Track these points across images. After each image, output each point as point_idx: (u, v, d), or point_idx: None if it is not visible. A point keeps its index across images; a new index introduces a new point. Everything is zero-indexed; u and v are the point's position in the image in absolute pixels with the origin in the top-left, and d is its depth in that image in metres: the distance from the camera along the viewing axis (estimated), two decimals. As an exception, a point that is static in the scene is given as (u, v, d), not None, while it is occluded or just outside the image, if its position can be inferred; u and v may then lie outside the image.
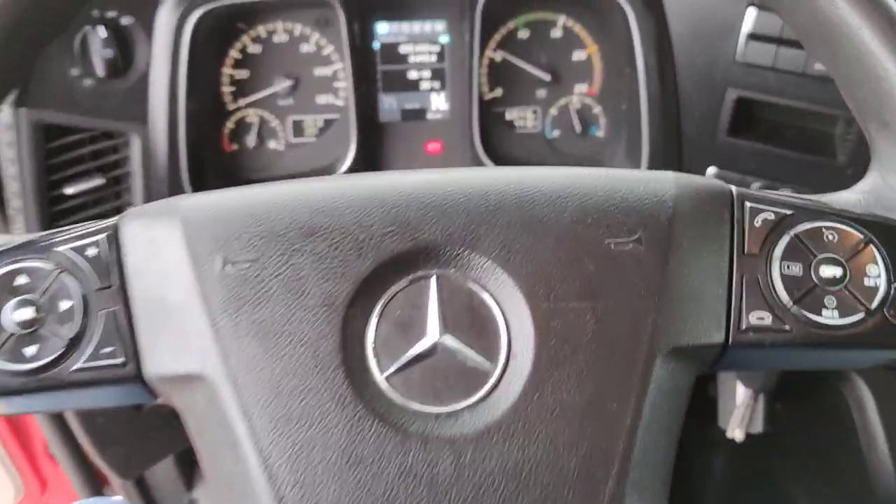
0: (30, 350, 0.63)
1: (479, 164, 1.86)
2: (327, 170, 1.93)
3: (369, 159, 1.91)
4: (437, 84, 1.95)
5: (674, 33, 1.73)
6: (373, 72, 1.93)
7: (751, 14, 1.63)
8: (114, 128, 1.70)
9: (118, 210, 1.81)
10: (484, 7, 1.76)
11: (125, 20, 1.67)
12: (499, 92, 1.96)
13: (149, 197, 1.77)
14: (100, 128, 1.70)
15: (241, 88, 1.91)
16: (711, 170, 1.75)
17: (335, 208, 0.70)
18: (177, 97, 1.69)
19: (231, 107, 1.91)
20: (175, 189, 1.74)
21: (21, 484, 1.96)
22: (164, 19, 1.67)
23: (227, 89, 1.90)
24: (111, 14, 1.65)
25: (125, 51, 1.67)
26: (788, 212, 0.69)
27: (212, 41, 1.82)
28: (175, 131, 1.70)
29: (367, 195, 0.71)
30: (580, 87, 1.96)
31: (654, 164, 1.77)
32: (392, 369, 0.64)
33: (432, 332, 0.65)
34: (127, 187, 1.75)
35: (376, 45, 1.92)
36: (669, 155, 1.78)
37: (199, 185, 1.79)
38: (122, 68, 1.67)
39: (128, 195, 1.77)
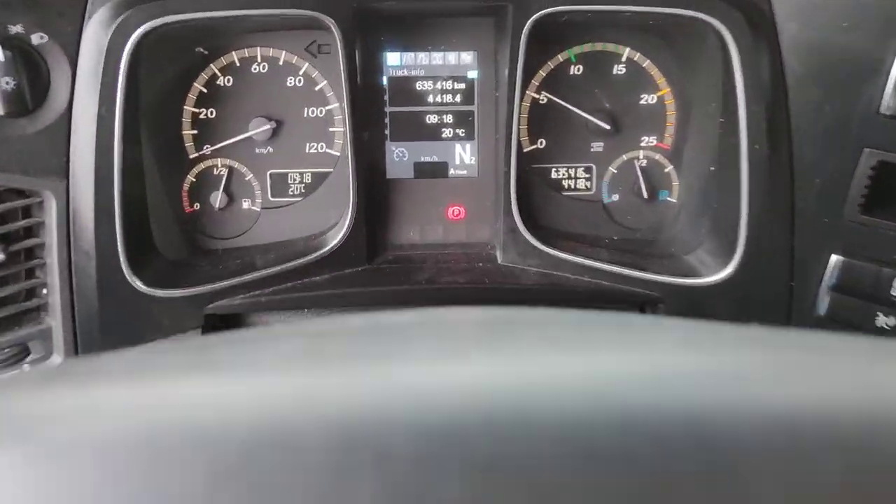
0: None
1: (515, 234, 1.44)
2: (316, 241, 1.50)
3: (371, 227, 1.49)
4: (462, 131, 1.50)
5: (790, 74, 1.27)
6: (379, 114, 1.51)
7: (906, 49, 1.17)
8: (20, 184, 1.26)
9: (29, 295, 1.35)
10: (529, 35, 1.30)
11: (36, 38, 1.22)
12: (542, 143, 1.52)
13: (70, 277, 1.30)
14: (0, 185, 1.24)
15: (207, 132, 1.49)
16: (835, 258, 1.28)
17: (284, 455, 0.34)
18: (110, 142, 1.24)
19: (193, 155, 1.48)
20: (106, 268, 1.29)
21: None
22: (92, 38, 1.23)
23: (188, 132, 1.46)
24: (15, 29, 1.20)
25: (36, 80, 1.22)
26: None
27: (165, 70, 1.39)
28: (107, 188, 1.27)
29: (350, 417, 0.35)
30: (648, 139, 1.52)
31: (755, 248, 1.34)
32: None
33: None
34: (41, 264, 1.29)
35: (384, 80, 1.49)
36: (776, 235, 1.34)
37: (141, 261, 1.34)
38: (32, 103, 1.22)
39: (42, 274, 1.30)
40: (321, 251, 1.41)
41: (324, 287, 1.41)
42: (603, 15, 1.33)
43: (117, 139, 1.25)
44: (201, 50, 1.40)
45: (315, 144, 1.50)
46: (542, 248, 1.42)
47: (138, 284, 1.31)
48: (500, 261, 1.46)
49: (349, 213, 1.40)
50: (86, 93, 1.24)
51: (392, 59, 1.48)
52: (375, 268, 1.46)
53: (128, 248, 1.30)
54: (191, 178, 1.49)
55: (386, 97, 1.49)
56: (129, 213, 1.30)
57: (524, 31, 1.31)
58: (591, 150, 1.52)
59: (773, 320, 1.39)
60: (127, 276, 1.30)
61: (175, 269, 1.41)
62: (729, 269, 1.34)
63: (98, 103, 1.23)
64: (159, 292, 1.33)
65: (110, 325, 1.34)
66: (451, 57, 1.48)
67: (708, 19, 1.25)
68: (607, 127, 1.48)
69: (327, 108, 1.48)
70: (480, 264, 1.47)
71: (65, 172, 1.26)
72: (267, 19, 1.32)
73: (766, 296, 1.37)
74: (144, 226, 1.38)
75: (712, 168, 1.40)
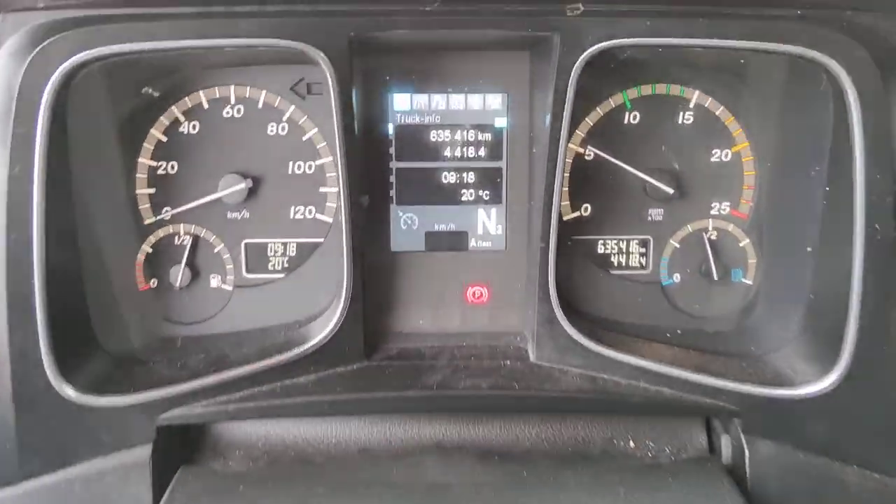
0: None
1: (553, 325, 1.14)
2: (301, 330, 1.20)
3: (371, 313, 1.21)
4: (487, 194, 1.21)
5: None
6: (383, 171, 1.24)
7: None
8: None
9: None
10: (580, 71, 0.99)
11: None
12: (587, 210, 1.23)
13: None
14: None
15: (167, 191, 1.22)
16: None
17: None
18: (25, 210, 0.99)
19: (149, 220, 1.21)
20: (25, 373, 1.03)
21: None
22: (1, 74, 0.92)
23: (143, 192, 1.18)
24: None
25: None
26: None
27: (107, 114, 1.10)
28: (22, 268, 1.00)
29: None
30: (720, 206, 1.25)
31: (867, 353, 1.04)
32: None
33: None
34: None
35: (390, 129, 1.19)
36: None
37: (74, 361, 1.06)
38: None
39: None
40: (307, 345, 1.13)
41: (309, 391, 1.12)
42: (677, 51, 1.02)
43: (36, 206, 0.97)
44: (150, 91, 1.10)
45: (302, 208, 1.22)
46: (585, 344, 1.13)
47: (68, 392, 1.04)
48: (532, 358, 1.16)
49: (342, 296, 1.12)
50: (-5, 144, 0.95)
51: (400, 101, 1.19)
52: (375, 365, 1.17)
53: (55, 345, 1.03)
54: (146, 248, 1.20)
55: (391, 150, 1.20)
56: (57, 299, 1.02)
57: (574, 69, 1.01)
58: (649, 218, 1.24)
59: (887, 447, 1.08)
60: (53, 382, 1.04)
61: (120, 367, 1.14)
62: (831, 379, 1.06)
63: (9, 161, 0.93)
64: (97, 400, 1.06)
65: (32, 446, 1.06)
66: (475, 100, 1.19)
67: (821, 58, 0.95)
68: (669, 191, 1.19)
69: (317, 162, 1.20)
70: (508, 362, 1.17)
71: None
72: (237, 52, 1.02)
73: (880, 416, 1.09)
74: (79, 312, 1.10)
75: (809, 249, 1.09)
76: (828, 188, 1.05)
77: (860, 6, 0.95)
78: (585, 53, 1.00)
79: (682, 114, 1.20)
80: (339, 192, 1.11)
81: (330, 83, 1.03)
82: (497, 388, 1.13)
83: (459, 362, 1.18)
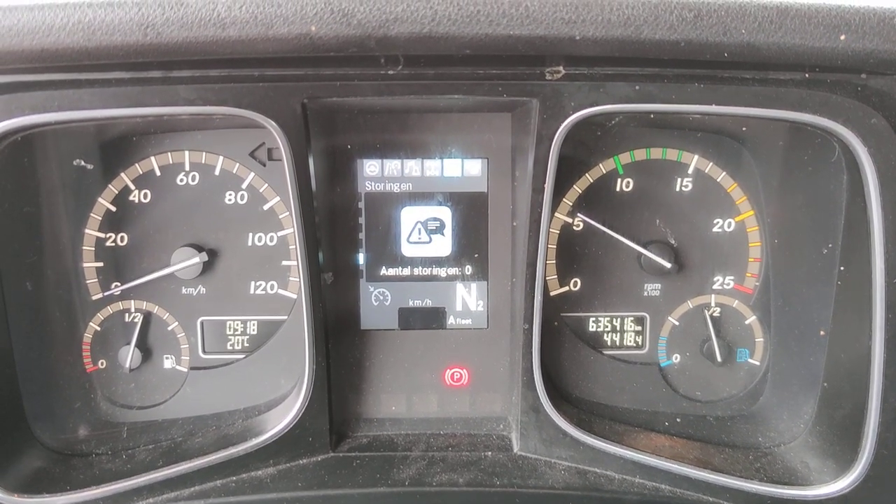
0: None
1: (539, 414, 1.04)
2: (260, 417, 1.09)
3: (339, 398, 1.10)
4: (468, 268, 1.15)
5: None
6: (351, 243, 1.13)
7: None
8: None
9: None
10: (562, 140, 0.89)
11: None
12: (576, 284, 1.14)
13: None
14: None
15: (116, 265, 1.12)
16: None
17: None
18: None
19: (97, 296, 1.13)
20: None
21: None
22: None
23: (90, 265, 1.10)
24: None
25: None
26: None
27: (45, 183, 0.99)
28: None
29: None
30: (723, 280, 1.15)
31: (890, 450, 0.93)
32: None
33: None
34: None
35: (359, 197, 1.07)
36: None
37: (5, 456, 0.98)
38: None
39: None
40: (266, 434, 1.04)
41: (268, 487, 1.02)
42: (672, 116, 0.93)
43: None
44: (82, 163, 1.00)
45: (263, 283, 1.14)
46: (574, 434, 1.05)
47: (-7, 493, 0.92)
48: (516, 449, 1.07)
49: (306, 380, 1.02)
50: None
51: (370, 168, 1.08)
52: (342, 457, 1.07)
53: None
54: (94, 326, 1.09)
55: (361, 220, 1.09)
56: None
57: (555, 138, 0.90)
58: (645, 293, 1.15)
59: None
60: (-29, 484, 0.91)
61: (57, 462, 1.04)
62: (848, 479, 0.96)
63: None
64: (29, 501, 0.97)
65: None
66: (452, 166, 1.10)
67: (833, 126, 0.85)
68: (667, 265, 1.08)
69: (280, 233, 1.11)
70: (489, 454, 1.06)
71: None
72: (188, 118, 0.93)
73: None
74: (10, 402, 0.98)
75: (823, 332, 0.98)
76: (842, 268, 0.95)
77: (876, 69, 0.84)
78: (567, 121, 0.90)
79: (679, 180, 1.10)
80: (300, 265, 1.01)
81: (283, 151, 0.93)
82: (476, 485, 1.02)
83: (436, 453, 1.07)
